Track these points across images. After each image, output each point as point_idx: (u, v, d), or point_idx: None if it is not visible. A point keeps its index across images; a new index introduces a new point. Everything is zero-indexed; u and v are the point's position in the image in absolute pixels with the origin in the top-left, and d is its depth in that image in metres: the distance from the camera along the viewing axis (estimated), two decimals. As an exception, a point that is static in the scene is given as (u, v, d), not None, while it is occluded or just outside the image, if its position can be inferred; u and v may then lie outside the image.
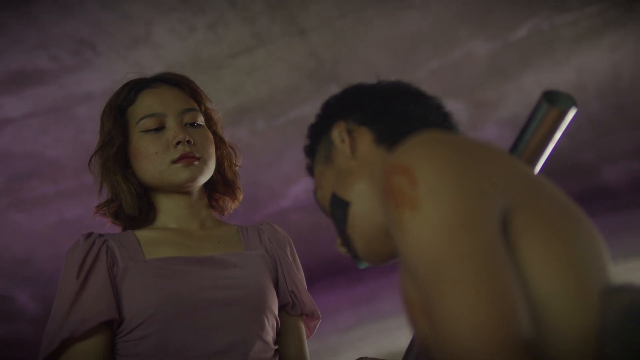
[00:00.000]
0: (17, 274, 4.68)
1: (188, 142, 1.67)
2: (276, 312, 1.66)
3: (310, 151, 1.31)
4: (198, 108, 1.75)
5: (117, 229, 1.74)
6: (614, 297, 0.92)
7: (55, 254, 4.15)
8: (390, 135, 1.21)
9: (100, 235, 1.66)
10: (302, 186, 4.34)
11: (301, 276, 1.76)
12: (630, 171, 4.68)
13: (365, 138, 1.23)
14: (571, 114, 1.23)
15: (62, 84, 3.53)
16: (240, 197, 1.81)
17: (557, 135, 1.24)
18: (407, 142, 1.05)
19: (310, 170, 1.33)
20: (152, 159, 1.67)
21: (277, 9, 3.33)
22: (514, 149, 1.25)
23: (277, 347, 1.66)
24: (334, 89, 1.33)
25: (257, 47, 3.53)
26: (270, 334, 1.63)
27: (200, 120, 1.73)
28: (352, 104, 1.27)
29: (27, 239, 4.45)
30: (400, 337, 4.75)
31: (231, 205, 1.81)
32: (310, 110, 1.21)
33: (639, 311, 0.90)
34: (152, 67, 3.41)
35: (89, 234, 1.66)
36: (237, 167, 1.82)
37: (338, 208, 1.22)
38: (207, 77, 3.61)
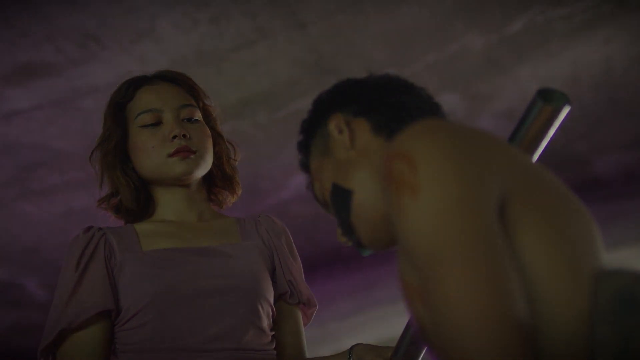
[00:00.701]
0: (26, 262, 4.68)
1: (184, 136, 1.69)
2: (271, 300, 1.69)
3: (305, 146, 1.31)
4: (195, 104, 1.77)
5: (121, 223, 1.76)
6: (606, 281, 0.93)
7: (63, 242, 4.10)
8: (388, 124, 1.22)
9: (100, 229, 1.69)
10: (303, 178, 4.29)
11: (298, 266, 1.78)
12: (622, 162, 4.67)
13: (363, 128, 1.23)
14: (565, 111, 1.24)
15: (68, 76, 3.53)
16: (239, 191, 1.83)
17: (551, 132, 1.24)
18: (407, 129, 1.05)
19: (304, 166, 1.33)
20: (150, 153, 1.69)
21: (278, 3, 3.33)
22: (508, 145, 1.28)
23: (273, 333, 1.69)
24: (334, 82, 1.35)
25: (258, 40, 3.53)
26: (265, 321, 1.65)
27: (198, 115, 1.75)
28: (346, 97, 1.27)
29: (36, 228, 4.45)
30: (397, 323, 4.78)
31: (230, 199, 1.83)
32: (310, 102, 1.24)
33: (629, 295, 0.91)
34: (156, 61, 3.43)
35: (89, 228, 1.69)
36: (236, 162, 1.83)
37: (341, 197, 1.22)
38: (209, 71, 3.61)
